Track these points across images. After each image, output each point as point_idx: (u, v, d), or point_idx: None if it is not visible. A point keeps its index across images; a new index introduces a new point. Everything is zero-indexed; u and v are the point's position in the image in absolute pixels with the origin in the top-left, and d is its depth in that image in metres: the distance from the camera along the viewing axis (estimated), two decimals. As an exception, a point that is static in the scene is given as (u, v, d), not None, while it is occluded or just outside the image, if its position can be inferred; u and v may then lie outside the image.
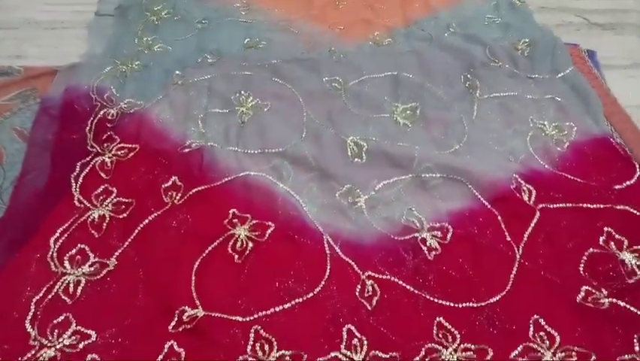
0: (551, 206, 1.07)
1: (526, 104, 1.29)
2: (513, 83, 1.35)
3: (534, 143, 1.20)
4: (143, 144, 1.16)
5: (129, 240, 0.99)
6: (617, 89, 1.38)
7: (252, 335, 0.86)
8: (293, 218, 1.03)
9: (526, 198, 1.08)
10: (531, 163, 1.16)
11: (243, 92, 1.27)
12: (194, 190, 1.07)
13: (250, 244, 0.98)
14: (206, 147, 1.15)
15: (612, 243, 1.00)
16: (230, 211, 1.03)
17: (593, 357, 0.83)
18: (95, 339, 0.86)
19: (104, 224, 1.01)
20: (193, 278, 0.94)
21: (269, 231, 1.01)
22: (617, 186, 1.10)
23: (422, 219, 1.05)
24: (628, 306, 0.90)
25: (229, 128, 1.19)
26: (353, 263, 0.97)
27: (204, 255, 0.97)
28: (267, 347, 0.85)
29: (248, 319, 0.88)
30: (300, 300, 0.91)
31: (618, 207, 1.05)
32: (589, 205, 1.07)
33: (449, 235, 1.02)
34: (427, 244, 1.00)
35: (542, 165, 1.16)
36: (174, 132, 1.19)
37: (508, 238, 1.02)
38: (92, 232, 0.99)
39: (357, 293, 0.93)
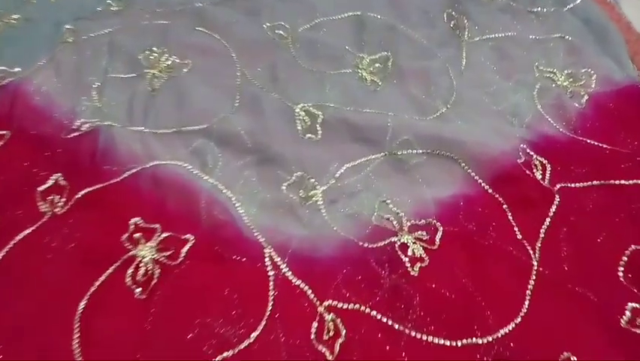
0: (573, 185, 0.80)
1: (529, 47, 1.02)
2: (509, 20, 1.07)
3: (543, 98, 0.93)
4: (16, 128, 0.84)
5: (-14, 271, 0.69)
6: (636, 21, 1.09)
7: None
8: (221, 225, 0.74)
9: (539, 175, 0.81)
10: (541, 126, 0.88)
11: (155, 48, 0.95)
12: (82, 192, 0.77)
13: (158, 271, 0.69)
14: (103, 127, 0.84)
15: (660, 235, 0.73)
16: (132, 222, 0.74)
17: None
18: None
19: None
20: (76, 326, 0.65)
21: (186, 248, 0.72)
22: (655, 153, 0.83)
23: (401, 214, 0.77)
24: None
25: (134, 100, 0.88)
26: (306, 288, 0.69)
27: (92, 290, 0.68)
28: None
29: (152, 388, 0.60)
30: (231, 354, 0.63)
31: (661, 182, 0.79)
32: (621, 182, 0.80)
33: (438, 236, 0.74)
34: (409, 252, 0.73)
35: (556, 127, 0.88)
36: (60, 109, 0.87)
37: (519, 236, 0.74)
38: None
39: (312, 336, 0.65)
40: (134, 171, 0.79)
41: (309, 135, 0.84)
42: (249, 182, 0.79)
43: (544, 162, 0.82)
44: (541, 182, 0.80)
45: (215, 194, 0.77)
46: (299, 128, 0.85)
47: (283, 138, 0.83)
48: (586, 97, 0.92)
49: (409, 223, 0.76)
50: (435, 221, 0.76)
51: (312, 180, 0.79)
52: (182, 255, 0.71)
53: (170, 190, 0.77)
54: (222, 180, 0.78)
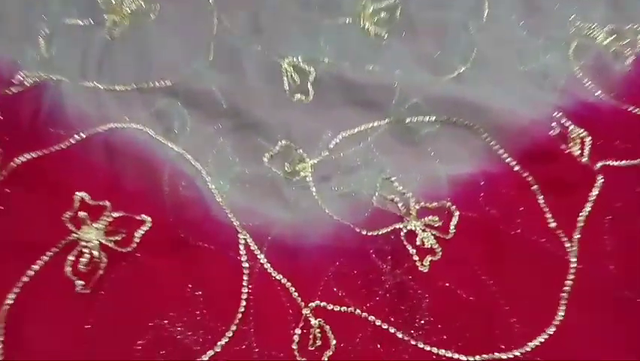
0: (617, 163, 0.66)
1: (563, -2, 0.85)
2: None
3: (580, 58, 0.77)
4: (-56, 81, 0.70)
5: None
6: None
7: None
8: (186, 204, 0.61)
9: (576, 151, 0.66)
10: (578, 91, 0.73)
11: (117, -11, 0.79)
12: (19, 160, 0.63)
13: (105, 259, 0.56)
14: (50, 83, 0.69)
15: None
16: (77, 197, 0.60)
17: None
18: None
19: None
20: (0, 325, 0.52)
21: (141, 231, 0.58)
22: None
23: (408, 195, 0.63)
24: None
25: (89, 51, 0.73)
26: (289, 284, 0.56)
27: (23, 281, 0.55)
28: None
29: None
30: (191, 367, 0.50)
31: None
32: (676, 159, 0.66)
33: (453, 223, 0.61)
34: (418, 241, 0.59)
35: (596, 94, 0.73)
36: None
37: (553, 225, 0.61)
38: None
39: (294, 345, 0.52)
40: (85, 135, 0.65)
41: (297, 96, 0.70)
42: (222, 152, 0.66)
43: (583, 134, 0.68)
44: (580, 159, 0.66)
45: (180, 165, 0.64)
46: (286, 87, 0.70)
47: (266, 98, 0.69)
48: (632, 58, 0.77)
49: (417, 206, 0.62)
50: (449, 204, 0.62)
51: (301, 151, 0.66)
52: (136, 240, 0.58)
53: (126, 159, 0.64)
54: (190, 149, 0.65)
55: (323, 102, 0.70)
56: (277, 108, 0.69)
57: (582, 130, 0.68)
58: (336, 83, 0.70)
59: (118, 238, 0.57)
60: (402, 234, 0.60)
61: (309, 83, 0.70)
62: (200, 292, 0.55)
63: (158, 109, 0.68)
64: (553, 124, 0.68)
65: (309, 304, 0.54)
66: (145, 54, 0.72)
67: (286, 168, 0.64)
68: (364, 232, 0.60)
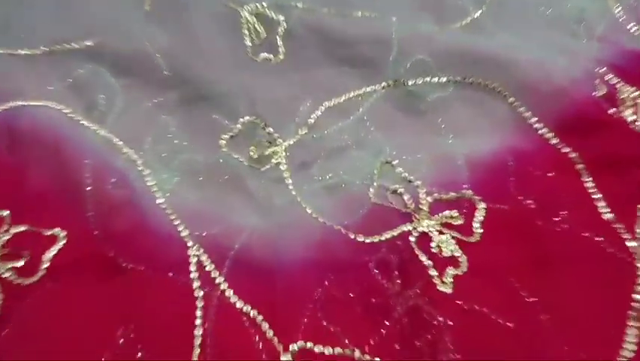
0: (680, 130, 0.52)
1: None
2: None
3: None
4: None
5: None
6: None
7: None
8: (116, 209, 0.46)
9: (629, 116, 0.53)
10: (622, 39, 0.60)
11: None
12: None
13: (0, 295, 0.40)
14: None
15: None
16: (-37, 206, 0.44)
17: None
18: None
19: None
20: None
21: (51, 252, 0.42)
22: None
23: (415, 184, 0.49)
24: None
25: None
26: (260, 318, 0.41)
27: None
28: None
29: None
30: None
31: None
32: None
33: (478, 220, 0.46)
34: (434, 248, 0.44)
35: (643, 41, 0.59)
36: None
37: (608, 215, 0.47)
38: None
39: (270, 407, 0.37)
40: (-23, 117, 0.49)
41: (264, 55, 0.56)
42: (165, 134, 0.51)
43: (635, 94, 0.53)
44: (634, 126, 0.51)
45: (108, 155, 0.49)
46: (248, 43, 0.56)
47: (222, 60, 0.55)
48: (683, -5, 0.62)
49: (429, 198, 0.47)
50: (470, 193, 0.47)
51: (270, 129, 0.51)
52: (45, 265, 0.42)
53: (33, 149, 0.49)
54: (121, 132, 0.50)
55: (298, 62, 0.56)
56: (237, 72, 0.55)
57: (634, 89, 0.53)
58: (315, 36, 0.57)
59: (18, 263, 0.41)
60: (411, 238, 0.45)
61: (278, 37, 0.56)
62: (135, 335, 0.39)
63: (76, 79, 0.53)
64: (597, 82, 0.54)
65: (291, 347, 0.39)
66: (59, 6, 0.57)
67: (252, 154, 0.50)
68: (360, 238, 0.45)
